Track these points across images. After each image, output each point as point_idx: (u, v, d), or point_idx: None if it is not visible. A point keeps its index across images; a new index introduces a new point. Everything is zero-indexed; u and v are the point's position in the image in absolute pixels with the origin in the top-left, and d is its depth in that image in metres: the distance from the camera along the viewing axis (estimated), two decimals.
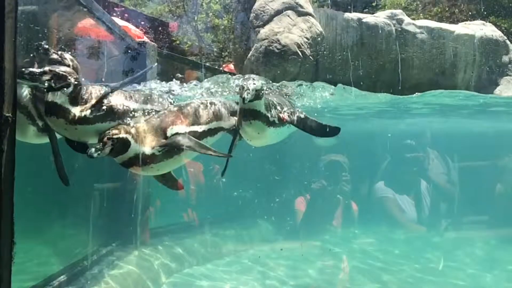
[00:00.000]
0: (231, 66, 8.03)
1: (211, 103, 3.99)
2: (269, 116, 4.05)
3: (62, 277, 5.58)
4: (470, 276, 8.10)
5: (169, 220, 8.97)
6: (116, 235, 7.03)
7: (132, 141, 3.33)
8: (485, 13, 8.68)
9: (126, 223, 7.00)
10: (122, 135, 3.28)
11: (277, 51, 6.39)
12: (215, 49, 9.66)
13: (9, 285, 1.92)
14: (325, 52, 6.90)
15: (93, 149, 3.14)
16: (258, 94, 3.78)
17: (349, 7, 9.08)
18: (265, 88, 3.95)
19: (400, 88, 7.11)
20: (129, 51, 5.51)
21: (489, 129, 13.26)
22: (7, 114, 1.86)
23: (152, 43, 6.08)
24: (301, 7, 6.81)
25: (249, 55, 6.59)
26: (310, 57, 6.60)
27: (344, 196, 9.93)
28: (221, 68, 8.33)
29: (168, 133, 3.51)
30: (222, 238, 9.20)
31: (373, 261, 8.80)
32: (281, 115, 4.16)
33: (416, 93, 7.34)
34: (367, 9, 9.51)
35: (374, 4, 10.09)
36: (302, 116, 4.34)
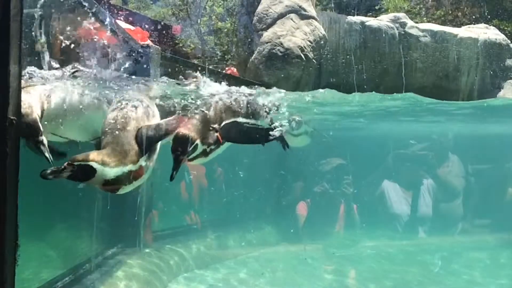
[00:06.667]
0: (234, 69, 8.03)
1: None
2: (206, 149, 3.93)
3: (65, 279, 5.60)
4: (475, 280, 8.08)
5: (172, 223, 8.97)
6: (120, 238, 7.04)
7: (99, 167, 3.25)
8: (488, 16, 8.67)
9: (130, 225, 7.01)
10: (85, 162, 3.19)
11: (280, 54, 6.40)
12: (218, 52, 9.67)
13: (13, 287, 1.93)
14: (328, 56, 6.91)
15: (48, 171, 3.04)
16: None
17: (352, 10, 9.09)
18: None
19: (404, 91, 7.10)
20: (132, 54, 5.52)
21: (495, 131, 13.21)
22: (11, 117, 1.86)
23: (156, 46, 6.10)
24: (304, 10, 6.82)
25: (252, 58, 6.60)
26: (313, 60, 6.60)
27: (346, 199, 9.93)
28: (224, 71, 8.34)
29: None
30: (225, 241, 9.20)
31: (376, 264, 8.78)
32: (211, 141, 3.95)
33: None
34: (370, 13, 9.51)
35: (377, 7, 10.09)
36: (240, 131, 4.19)
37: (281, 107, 6.52)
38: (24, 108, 3.28)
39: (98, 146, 3.61)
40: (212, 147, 3.96)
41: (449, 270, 8.46)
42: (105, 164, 3.27)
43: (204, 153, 3.95)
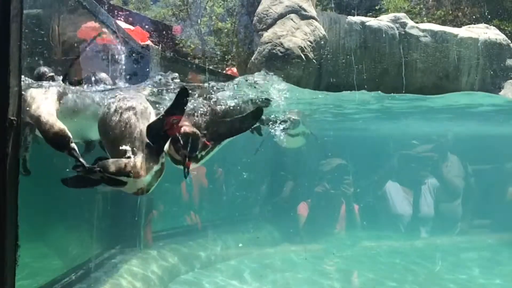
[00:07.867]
0: (234, 69, 8.03)
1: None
2: (197, 154, 3.93)
3: (65, 280, 5.59)
4: (476, 280, 8.08)
5: (172, 224, 8.97)
6: (120, 238, 7.04)
7: (129, 180, 3.24)
8: (488, 16, 8.66)
9: (130, 226, 7.01)
10: (115, 176, 3.19)
11: (280, 54, 6.39)
12: (218, 53, 9.66)
13: (13, 287, 1.93)
14: (328, 56, 6.89)
15: (81, 168, 3.11)
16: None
17: (352, 10, 9.08)
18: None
19: (404, 91, 7.10)
20: (133, 54, 5.52)
21: (494, 131, 13.22)
22: (12, 118, 1.86)
23: (156, 46, 6.10)
24: (305, 10, 6.81)
25: (252, 58, 6.59)
26: (314, 60, 6.60)
27: (347, 199, 9.92)
28: (224, 72, 8.34)
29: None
30: (225, 241, 9.20)
31: (377, 265, 8.77)
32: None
33: None
34: (370, 13, 9.50)
35: (377, 7, 10.08)
36: (226, 125, 4.15)
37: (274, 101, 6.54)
38: (47, 119, 3.25)
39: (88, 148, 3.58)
40: (203, 153, 3.96)
41: (450, 270, 8.46)
42: (137, 176, 3.26)
43: (195, 159, 3.94)
